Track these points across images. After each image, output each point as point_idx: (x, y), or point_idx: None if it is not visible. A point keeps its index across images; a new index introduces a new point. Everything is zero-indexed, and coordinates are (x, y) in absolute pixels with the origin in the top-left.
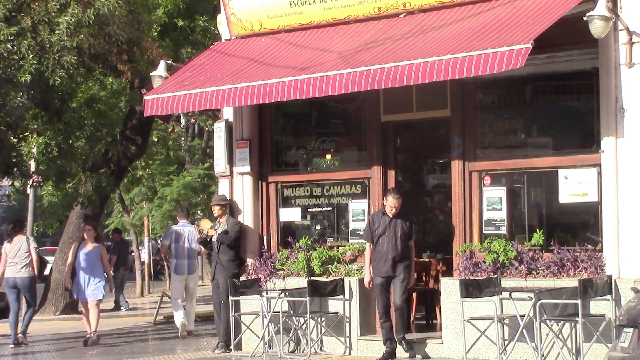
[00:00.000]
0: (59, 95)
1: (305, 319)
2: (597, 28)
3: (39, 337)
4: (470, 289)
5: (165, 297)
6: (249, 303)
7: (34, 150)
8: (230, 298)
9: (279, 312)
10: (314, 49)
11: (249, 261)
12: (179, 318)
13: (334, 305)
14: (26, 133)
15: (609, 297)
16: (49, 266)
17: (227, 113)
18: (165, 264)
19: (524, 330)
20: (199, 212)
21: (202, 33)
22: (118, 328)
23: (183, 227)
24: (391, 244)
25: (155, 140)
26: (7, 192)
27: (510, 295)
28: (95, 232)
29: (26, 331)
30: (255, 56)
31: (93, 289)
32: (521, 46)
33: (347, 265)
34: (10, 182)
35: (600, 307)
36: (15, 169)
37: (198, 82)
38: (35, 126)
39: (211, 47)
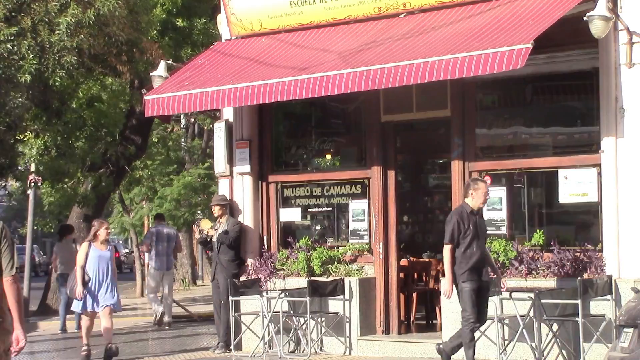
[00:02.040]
0: (59, 96)
1: (305, 319)
2: (597, 28)
3: (38, 337)
4: None
5: None
6: (249, 303)
7: (33, 151)
8: (230, 298)
9: (279, 312)
10: (314, 49)
11: (249, 261)
12: (156, 307)
13: (334, 305)
14: (25, 133)
15: (609, 297)
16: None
17: (227, 113)
18: None
19: (524, 330)
20: (199, 212)
21: (202, 33)
22: (118, 328)
23: (162, 228)
24: (483, 245)
25: (155, 140)
26: (7, 192)
27: (510, 295)
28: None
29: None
30: (255, 56)
31: (108, 295)
32: (521, 46)
33: (347, 265)
34: (4, 184)
35: (600, 307)
36: (12, 170)
37: (198, 82)
38: (34, 127)
39: (211, 47)
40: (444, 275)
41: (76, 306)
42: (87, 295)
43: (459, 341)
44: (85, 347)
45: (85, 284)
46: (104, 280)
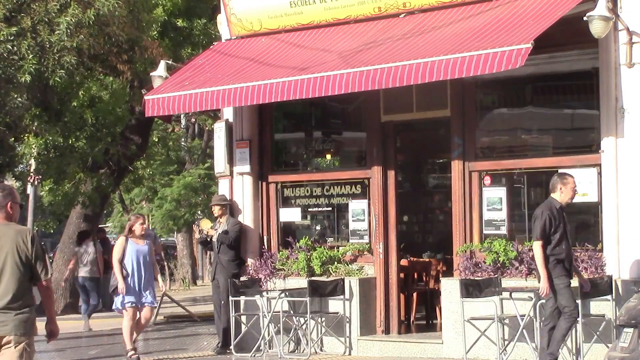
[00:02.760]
0: (59, 96)
1: (306, 319)
2: (597, 28)
3: (39, 337)
4: (471, 289)
5: (165, 297)
6: (249, 303)
7: (34, 151)
8: (230, 298)
9: (279, 312)
10: (314, 49)
11: (249, 261)
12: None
13: (334, 305)
14: (25, 134)
15: (609, 297)
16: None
17: (227, 113)
18: (165, 264)
19: (524, 330)
20: (199, 212)
21: (202, 33)
22: (118, 328)
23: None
24: (569, 242)
25: (156, 140)
26: None
27: (510, 295)
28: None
29: (88, 320)
30: (255, 56)
31: (150, 293)
32: (521, 46)
33: (348, 265)
34: (1, 181)
35: (600, 307)
36: (10, 168)
37: (198, 82)
38: (34, 127)
39: (211, 47)
40: (444, 275)
41: (118, 303)
42: (128, 290)
43: (558, 339)
44: (132, 352)
45: (124, 278)
46: (144, 275)
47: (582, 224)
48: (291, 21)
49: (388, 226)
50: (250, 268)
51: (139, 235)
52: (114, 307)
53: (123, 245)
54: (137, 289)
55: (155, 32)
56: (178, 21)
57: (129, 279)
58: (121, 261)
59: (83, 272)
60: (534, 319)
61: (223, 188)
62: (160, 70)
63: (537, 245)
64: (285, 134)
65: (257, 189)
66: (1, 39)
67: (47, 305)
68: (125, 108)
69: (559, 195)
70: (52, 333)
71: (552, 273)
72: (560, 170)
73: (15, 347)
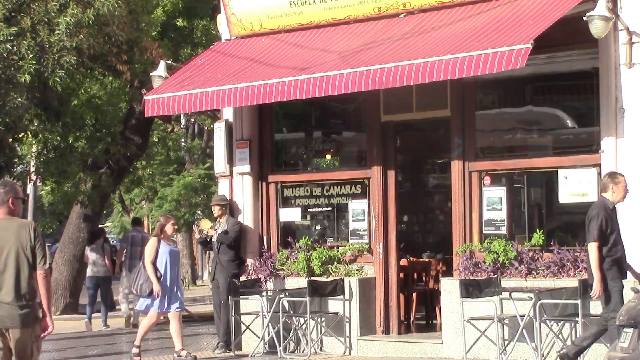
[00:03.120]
0: (59, 96)
1: (305, 319)
2: (597, 28)
3: None
4: (470, 289)
5: None
6: (249, 303)
7: (33, 150)
8: (230, 298)
9: (279, 312)
10: (314, 49)
11: (249, 261)
12: (125, 308)
13: (334, 305)
14: (23, 134)
15: None
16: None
17: (227, 113)
18: None
19: (524, 330)
20: (199, 212)
21: (202, 33)
22: (118, 327)
23: (138, 232)
24: (622, 242)
25: (156, 140)
26: None
27: (510, 295)
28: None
29: (106, 320)
30: (255, 56)
31: (178, 296)
32: (521, 46)
33: (347, 265)
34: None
35: (601, 307)
36: (8, 169)
37: (198, 83)
38: (33, 127)
39: (211, 47)
40: (444, 275)
41: (142, 304)
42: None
43: (584, 344)
44: (136, 350)
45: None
46: (176, 278)
47: (582, 224)
48: (291, 21)
49: (388, 226)
50: (250, 268)
51: (170, 235)
52: (137, 307)
53: (156, 246)
54: (167, 292)
55: (155, 33)
56: (178, 21)
57: (161, 280)
58: (154, 263)
59: (96, 271)
60: (534, 319)
61: (223, 188)
62: (160, 70)
63: (593, 247)
64: (285, 134)
65: (257, 189)
66: (1, 39)
67: (44, 296)
68: (119, 108)
69: (611, 195)
70: (45, 327)
71: (607, 275)
72: (610, 170)
73: (24, 345)
